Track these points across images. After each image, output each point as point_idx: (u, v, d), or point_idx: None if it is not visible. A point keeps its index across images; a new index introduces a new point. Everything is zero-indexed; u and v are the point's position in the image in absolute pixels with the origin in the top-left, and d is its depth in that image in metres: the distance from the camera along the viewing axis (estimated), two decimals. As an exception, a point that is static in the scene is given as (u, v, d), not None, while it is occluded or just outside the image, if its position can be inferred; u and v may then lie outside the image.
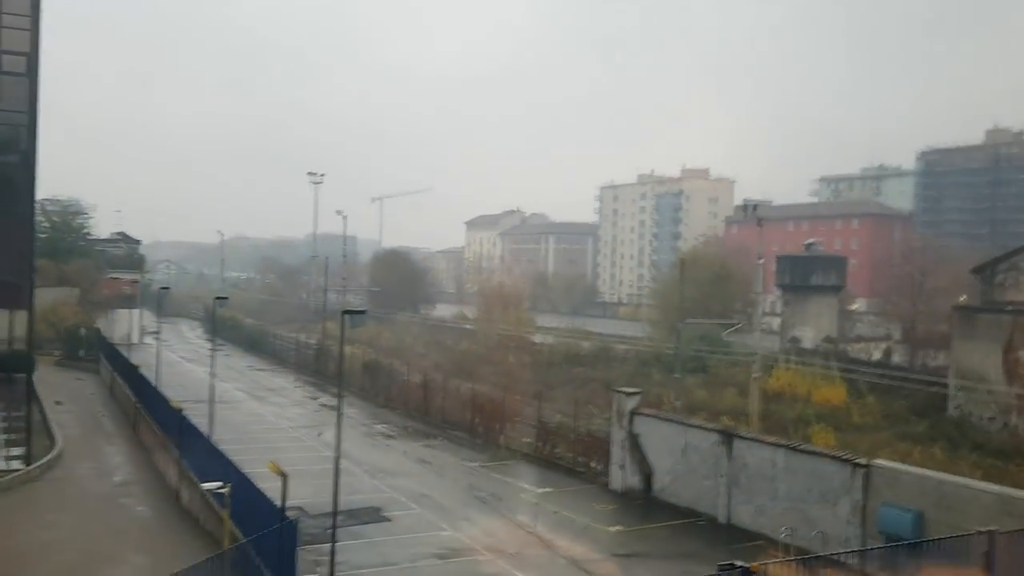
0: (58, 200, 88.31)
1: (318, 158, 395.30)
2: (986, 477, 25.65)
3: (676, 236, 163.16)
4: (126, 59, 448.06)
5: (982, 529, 17.35)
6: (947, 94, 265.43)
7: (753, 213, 38.07)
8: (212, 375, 37.08)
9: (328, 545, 19.98)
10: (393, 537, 25.09)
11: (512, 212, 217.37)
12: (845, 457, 24.08)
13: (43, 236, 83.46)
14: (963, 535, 17.24)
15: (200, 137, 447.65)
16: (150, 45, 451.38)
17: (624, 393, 31.72)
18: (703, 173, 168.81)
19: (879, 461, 23.56)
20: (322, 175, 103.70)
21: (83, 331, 65.80)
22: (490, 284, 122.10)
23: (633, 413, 30.94)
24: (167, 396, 33.80)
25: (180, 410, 28.67)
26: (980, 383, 37.72)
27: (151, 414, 35.74)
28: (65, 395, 48.74)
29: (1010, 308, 39.17)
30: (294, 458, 32.69)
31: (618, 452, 31.14)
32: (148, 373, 40.76)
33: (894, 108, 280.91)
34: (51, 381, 49.35)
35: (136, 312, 79.14)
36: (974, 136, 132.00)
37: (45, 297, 69.21)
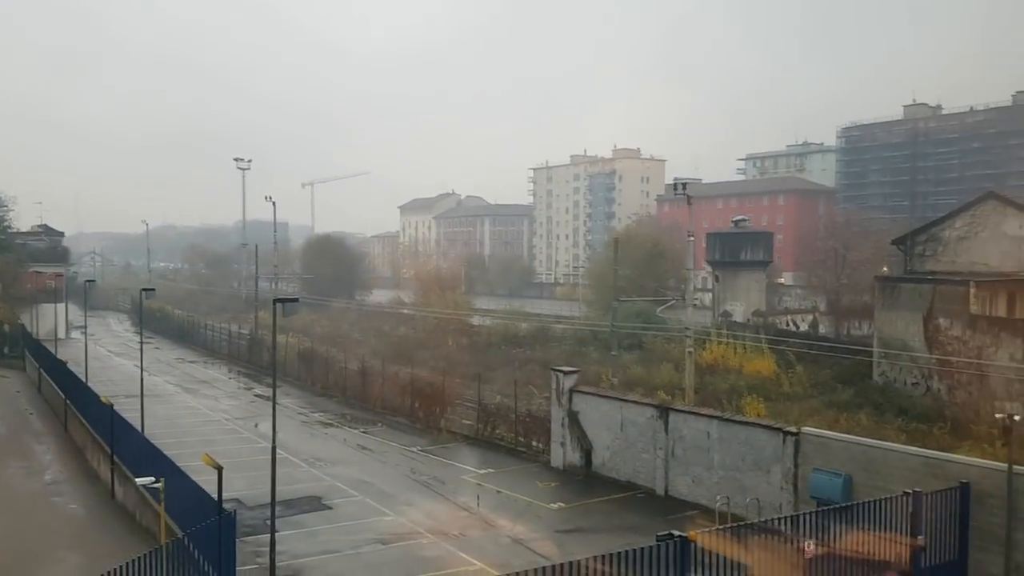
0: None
1: (246, 144, 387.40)
2: (911, 440, 26.69)
3: (610, 216, 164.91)
4: (44, 44, 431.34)
5: (908, 491, 18.09)
6: (868, 70, 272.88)
7: (683, 191, 38.60)
8: (142, 369, 36.24)
9: (268, 535, 19.78)
10: (334, 525, 24.95)
11: (447, 195, 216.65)
12: (776, 426, 24.75)
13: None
14: (891, 497, 17.93)
15: (122, 125, 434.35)
16: (70, 28, 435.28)
17: (562, 372, 32.01)
18: (635, 153, 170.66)
19: (808, 429, 24.26)
20: (249, 161, 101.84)
21: (6, 327, 63.56)
22: (426, 268, 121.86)
23: (572, 391, 31.26)
24: (97, 392, 32.89)
25: (110, 405, 27.93)
26: (903, 350, 39.08)
27: (81, 411, 34.76)
28: (-13, 394, 47.06)
29: (930, 278, 40.62)
30: (230, 450, 32.22)
31: (558, 430, 31.46)
32: (76, 369, 39.59)
33: (816, 86, 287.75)
34: (-28, 381, 47.54)
35: (62, 306, 76.59)
36: (894, 111, 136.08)
37: (-37, 293, 66.67)
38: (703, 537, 14.91)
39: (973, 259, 41.34)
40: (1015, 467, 18.06)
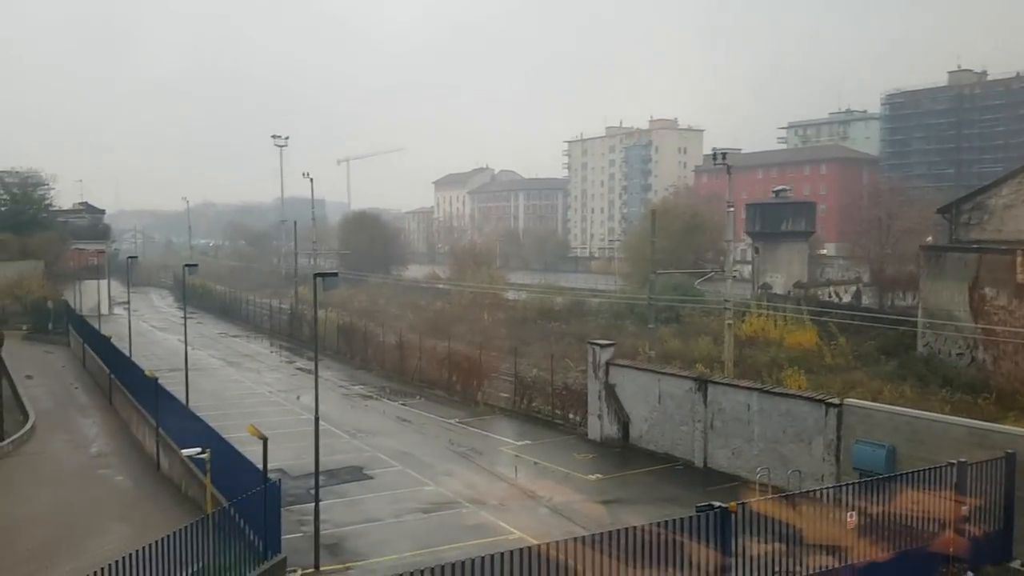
0: (17, 172, 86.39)
1: (283, 122, 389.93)
2: (955, 411, 26.24)
3: (646, 188, 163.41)
4: (81, 25, 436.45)
5: (953, 461, 17.81)
6: (913, 35, 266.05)
7: (722, 161, 38.00)
8: (186, 342, 36.81)
9: (311, 505, 20.07)
10: (376, 494, 25.24)
11: (481, 170, 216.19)
12: (818, 397, 24.48)
13: (3, 209, 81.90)
14: (935, 467, 17.67)
15: (161, 104, 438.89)
16: (106, 8, 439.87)
17: (599, 345, 31.92)
18: (671, 124, 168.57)
19: (851, 400, 23.97)
20: (287, 138, 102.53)
21: (50, 304, 64.86)
22: (461, 243, 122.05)
23: (608, 364, 31.18)
24: (141, 366, 33.50)
25: (155, 379, 28.43)
26: (948, 321, 38.35)
27: (125, 384, 35.42)
28: (35, 369, 48.17)
29: (975, 247, 39.71)
30: (273, 422, 32.69)
31: (595, 402, 31.43)
32: (120, 343, 40.35)
33: (861, 52, 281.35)
34: (20, 355, 48.68)
35: (104, 283, 78.06)
36: (939, 78, 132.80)
37: (8, 271, 68.19)
38: (748, 507, 14.83)
39: (1020, 227, 40.27)
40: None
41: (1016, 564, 18.26)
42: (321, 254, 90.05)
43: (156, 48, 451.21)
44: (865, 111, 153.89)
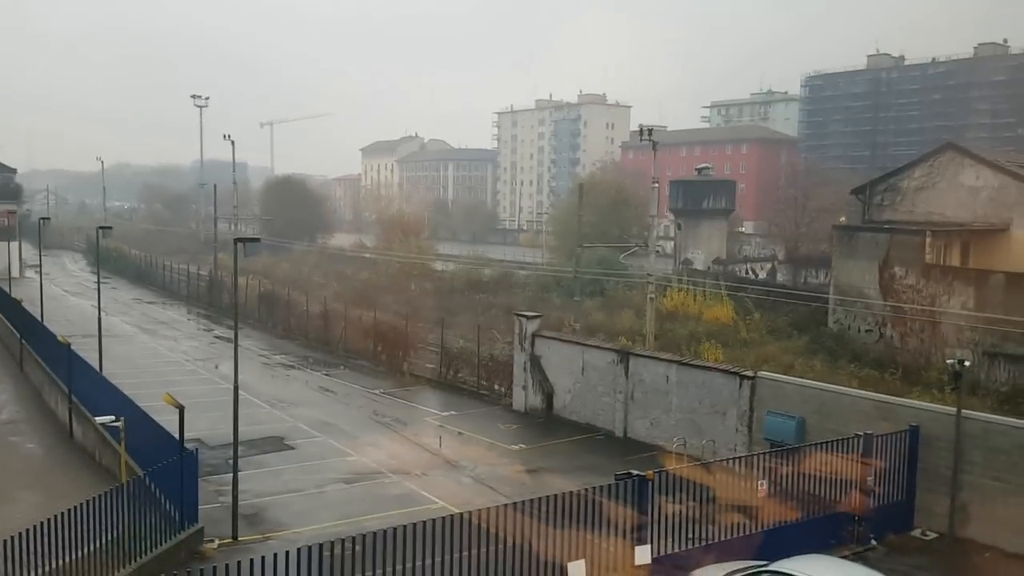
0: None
1: (205, 82, 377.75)
2: (863, 385, 27.39)
3: (575, 162, 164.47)
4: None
5: (859, 433, 18.65)
6: (836, 19, 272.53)
7: (648, 138, 38.52)
8: (99, 308, 35.71)
9: (230, 475, 19.84)
10: (297, 464, 25.08)
11: (410, 138, 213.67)
12: (733, 370, 25.23)
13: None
14: (842, 439, 18.48)
15: (77, 59, 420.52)
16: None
17: (525, 317, 32.18)
18: (600, 99, 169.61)
19: (764, 373, 24.79)
20: (207, 98, 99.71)
21: (-45, 266, 61.99)
22: (389, 212, 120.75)
23: (534, 336, 31.48)
24: (53, 331, 32.38)
25: (68, 345, 27.53)
26: (858, 298, 39.87)
27: (37, 350, 34.21)
28: (-62, 334, 46.03)
29: (887, 227, 41.28)
30: (191, 391, 32.00)
31: (520, 374, 31.74)
32: (32, 308, 38.89)
33: (782, 33, 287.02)
34: (-78, 320, 46.35)
35: (15, 245, 74.88)
36: (858, 61, 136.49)
37: (-91, 231, 64.73)
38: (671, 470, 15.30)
39: (930, 209, 42.05)
40: (963, 411, 18.67)
41: (917, 532, 19.27)
42: (242, 219, 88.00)
43: (67, 5, 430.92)
44: (786, 92, 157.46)
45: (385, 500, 21.90)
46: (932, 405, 21.14)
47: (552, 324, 36.94)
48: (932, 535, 19.07)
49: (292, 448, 26.75)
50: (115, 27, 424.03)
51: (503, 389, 33.53)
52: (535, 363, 31.20)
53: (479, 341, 36.08)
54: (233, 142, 69.90)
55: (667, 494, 15.32)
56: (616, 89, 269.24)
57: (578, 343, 31.03)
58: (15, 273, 66.31)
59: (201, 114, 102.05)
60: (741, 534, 16.33)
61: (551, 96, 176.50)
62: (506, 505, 13.87)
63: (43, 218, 55.82)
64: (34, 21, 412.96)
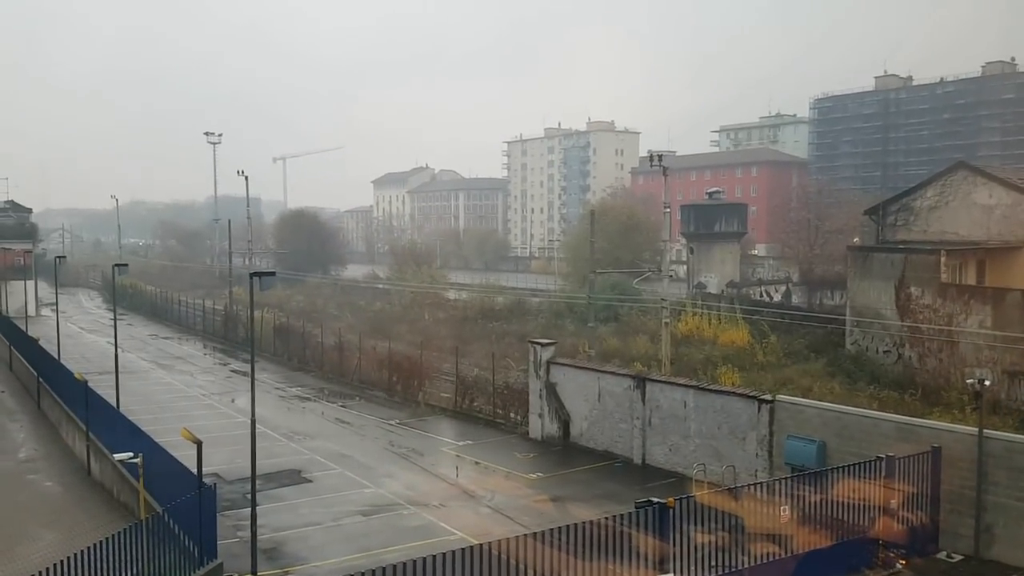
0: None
1: (216, 119, 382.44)
2: (883, 407, 27.11)
3: (585, 189, 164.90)
4: (3, 19, 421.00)
5: (881, 456, 18.44)
6: (842, 40, 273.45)
7: (659, 163, 38.62)
8: (116, 345, 35.87)
9: (248, 509, 19.78)
10: (315, 497, 24.99)
11: (421, 169, 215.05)
12: (751, 394, 25.05)
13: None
14: (864, 462, 18.27)
15: (90, 100, 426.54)
16: (29, 7, 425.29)
17: (540, 344, 32.12)
18: (609, 126, 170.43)
19: (783, 397, 24.59)
20: (220, 135, 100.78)
21: (-27, 306, 62.55)
22: (401, 243, 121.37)
23: (549, 363, 31.39)
24: (70, 369, 32.54)
25: (85, 382, 27.64)
26: (875, 319, 39.58)
27: (54, 388, 34.36)
28: (-43, 374, 46.35)
29: (901, 247, 41.07)
30: (208, 425, 32.10)
31: (536, 402, 31.62)
32: (48, 346, 39.12)
33: (791, 57, 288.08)
34: (-60, 360, 46.78)
35: (31, 283, 75.53)
36: (866, 83, 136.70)
37: (-72, 272, 65.39)
38: (702, 498, 15.13)
39: (944, 228, 41.83)
40: (985, 431, 18.44)
41: (943, 555, 18.97)
42: (257, 253, 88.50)
43: (84, 48, 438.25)
44: (794, 115, 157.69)
45: (403, 532, 21.77)
46: (953, 425, 20.91)
47: (566, 351, 36.85)
48: (958, 557, 18.78)
49: (309, 481, 26.67)
50: (128, 70, 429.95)
51: (519, 417, 33.38)
52: (551, 390, 31.08)
53: (494, 369, 36.00)
54: (247, 177, 70.62)
55: (689, 522, 15.16)
56: (624, 115, 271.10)
57: (593, 369, 30.91)
58: (31, 312, 66.78)
59: (214, 151, 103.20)
60: (765, 561, 16.12)
61: (559, 124, 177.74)
62: (526, 535, 13.75)
63: (59, 256, 56.23)
64: (47, 64, 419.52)
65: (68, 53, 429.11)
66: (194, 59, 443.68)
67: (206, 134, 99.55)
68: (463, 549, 13.12)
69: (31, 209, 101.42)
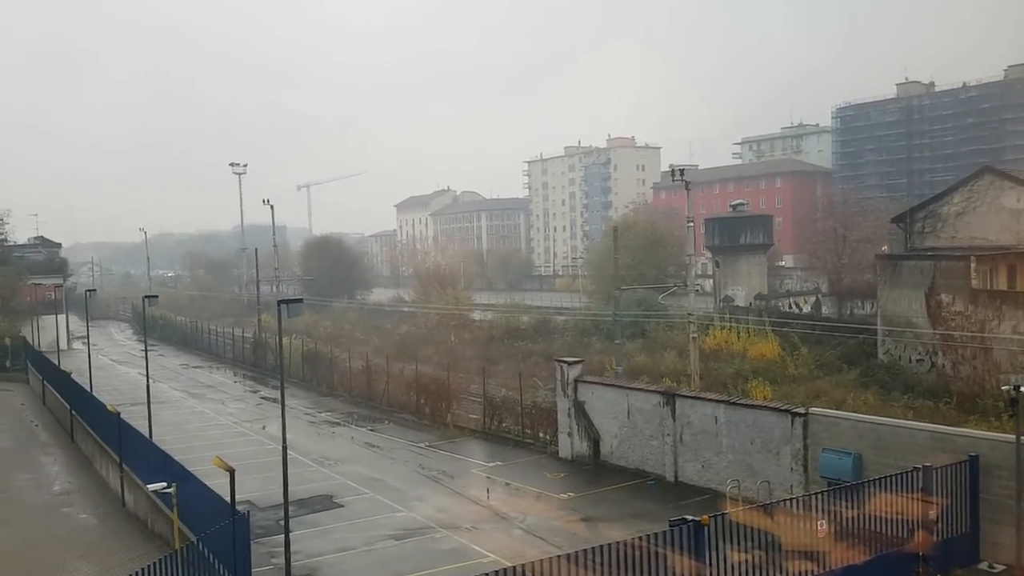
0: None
1: (239, 148, 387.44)
2: (918, 417, 26.73)
3: (606, 205, 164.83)
4: (30, 58, 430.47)
5: (918, 466, 18.13)
6: (862, 48, 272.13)
7: (681, 178, 38.54)
8: (148, 375, 36.22)
9: (281, 536, 19.81)
10: (347, 522, 24.99)
11: (443, 192, 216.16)
12: (784, 408, 24.76)
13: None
14: (901, 473, 17.97)
15: (114, 133, 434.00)
16: (55, 40, 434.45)
17: (566, 363, 32.01)
18: (629, 142, 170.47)
19: (816, 409, 24.30)
20: (245, 165, 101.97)
21: (7, 341, 63.49)
22: (425, 265, 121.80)
23: (577, 381, 31.27)
24: (102, 401, 32.90)
25: (117, 414, 27.93)
26: (906, 328, 39.10)
27: (87, 420, 34.75)
28: (-7, 408, 47.05)
29: (930, 254, 40.62)
30: (240, 453, 32.25)
31: (565, 420, 31.48)
32: (80, 379, 39.60)
33: (811, 66, 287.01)
34: (-23, 395, 47.53)
35: (62, 317, 76.53)
36: (888, 90, 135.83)
37: (-37, 309, 66.51)
38: (735, 517, 14.95)
39: (972, 234, 41.35)
40: (1022, 438, 18.08)
41: (984, 566, 18.58)
42: (284, 280, 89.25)
43: (110, 72, 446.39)
44: (817, 125, 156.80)
45: (436, 556, 21.69)
46: (990, 433, 20.54)
47: (594, 368, 36.71)
48: (1000, 568, 18.39)
49: (341, 506, 26.68)
50: (149, 99, 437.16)
51: (548, 437, 33.23)
52: (579, 409, 30.93)
53: (521, 389, 35.92)
54: (272, 206, 71.39)
55: (724, 540, 14.97)
56: (644, 131, 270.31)
57: (622, 387, 30.73)
58: (63, 345, 67.59)
59: (240, 180, 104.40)
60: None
61: (579, 142, 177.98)
62: (559, 557, 13.64)
63: (89, 290, 57.03)
64: (78, 96, 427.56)
65: (88, 84, 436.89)
66: (217, 106, 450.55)
67: (231, 164, 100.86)
68: (495, 572, 13.03)
69: (60, 244, 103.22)
